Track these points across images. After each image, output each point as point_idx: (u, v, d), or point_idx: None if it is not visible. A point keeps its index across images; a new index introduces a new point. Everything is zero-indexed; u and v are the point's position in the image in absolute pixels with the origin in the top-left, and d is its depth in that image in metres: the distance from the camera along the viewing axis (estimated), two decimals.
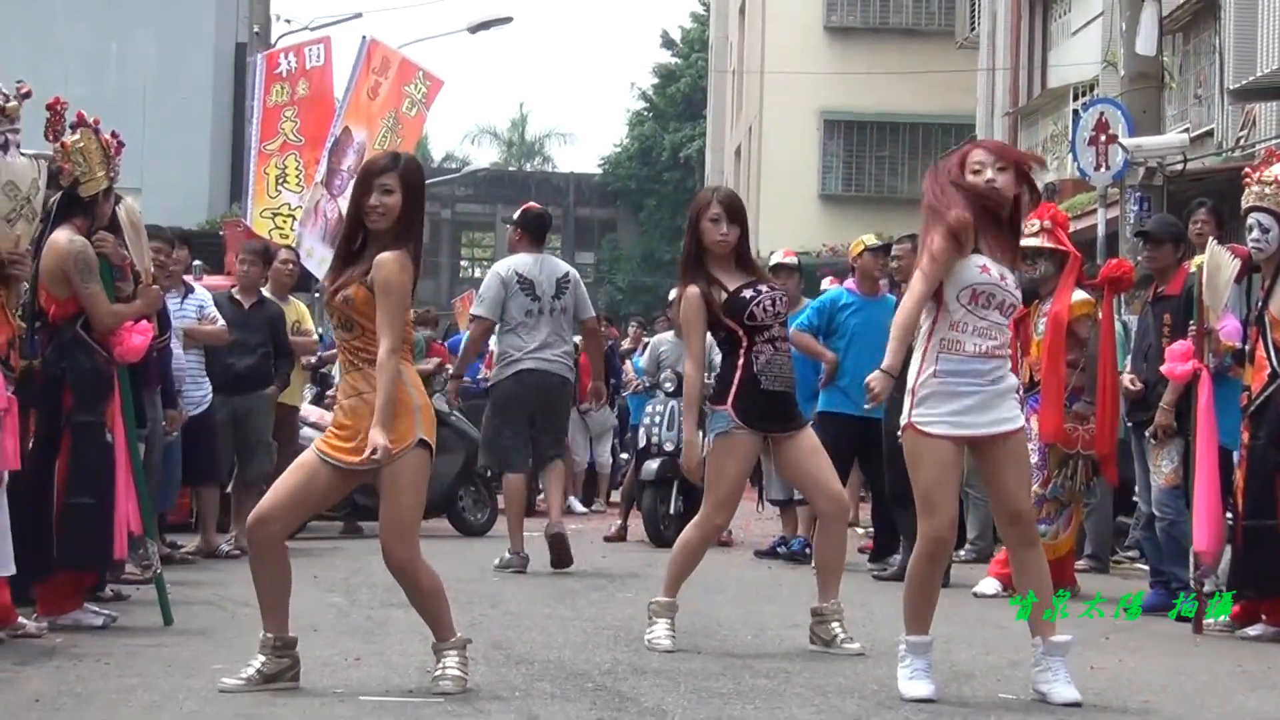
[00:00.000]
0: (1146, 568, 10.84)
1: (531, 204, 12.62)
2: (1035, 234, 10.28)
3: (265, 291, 12.84)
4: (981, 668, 7.48)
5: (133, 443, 8.47)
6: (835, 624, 8.00)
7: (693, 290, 8.02)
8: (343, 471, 6.45)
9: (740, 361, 7.98)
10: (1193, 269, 9.59)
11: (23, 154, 7.77)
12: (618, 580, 10.98)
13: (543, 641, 7.98)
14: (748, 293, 7.99)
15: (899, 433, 6.72)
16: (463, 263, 61.41)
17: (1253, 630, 8.94)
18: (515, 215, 12.26)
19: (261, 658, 6.50)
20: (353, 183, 6.77)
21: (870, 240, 12.38)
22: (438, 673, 6.50)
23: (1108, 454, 10.43)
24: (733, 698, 6.57)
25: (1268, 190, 8.87)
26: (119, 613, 8.47)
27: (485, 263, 61.56)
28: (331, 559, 11.69)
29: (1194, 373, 9.22)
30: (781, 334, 8.12)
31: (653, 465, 13.83)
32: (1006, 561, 10.54)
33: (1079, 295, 10.39)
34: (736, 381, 7.96)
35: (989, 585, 10.51)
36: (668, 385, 14.25)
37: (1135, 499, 11.05)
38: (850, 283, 12.62)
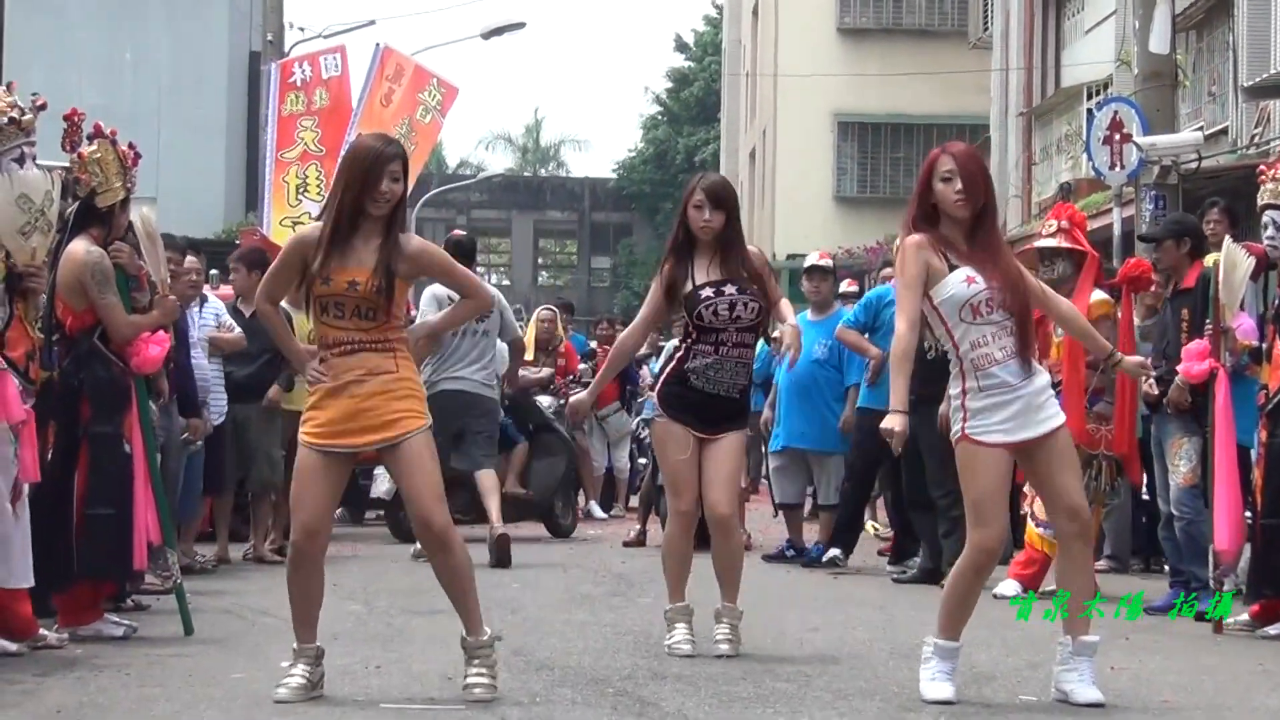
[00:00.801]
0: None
1: (456, 230, 14.06)
2: (1053, 234, 10.26)
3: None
4: (1002, 669, 7.47)
5: (151, 453, 8.48)
6: (722, 624, 7.95)
7: (666, 269, 7.99)
8: (348, 457, 6.54)
9: (677, 355, 8.01)
10: (1208, 264, 9.56)
11: (37, 165, 7.77)
12: (637, 585, 10.97)
13: (562, 647, 7.98)
14: (707, 292, 7.87)
15: (953, 441, 6.65)
16: (478, 269, 61.33)
17: (1273, 629, 8.91)
18: (442, 244, 13.00)
19: (304, 666, 6.50)
20: (349, 170, 6.53)
21: None
22: (470, 680, 6.45)
23: (1128, 454, 10.41)
24: (753, 702, 6.57)
25: None
26: (139, 623, 8.47)
27: (501, 269, 61.73)
28: (349, 566, 11.70)
29: (1210, 372, 9.19)
30: (739, 340, 7.91)
31: None
32: (1027, 563, 10.58)
33: (1098, 295, 10.33)
34: (665, 373, 8.03)
35: (1009, 587, 10.49)
36: None
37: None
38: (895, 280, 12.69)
